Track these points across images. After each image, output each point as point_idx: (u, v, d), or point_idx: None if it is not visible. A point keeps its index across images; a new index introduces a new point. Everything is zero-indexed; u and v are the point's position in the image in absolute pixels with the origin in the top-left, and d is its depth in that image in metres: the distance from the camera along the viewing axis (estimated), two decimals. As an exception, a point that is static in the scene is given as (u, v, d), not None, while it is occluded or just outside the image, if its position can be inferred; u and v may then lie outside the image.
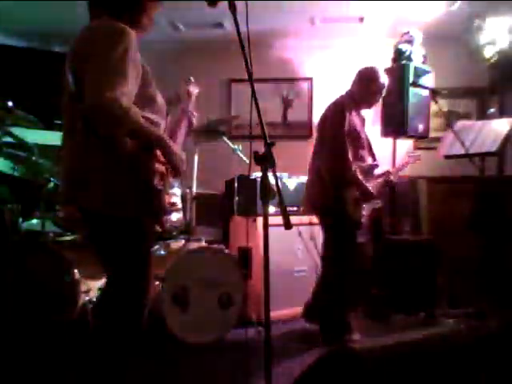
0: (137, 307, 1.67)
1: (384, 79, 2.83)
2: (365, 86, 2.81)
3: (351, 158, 2.68)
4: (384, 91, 2.85)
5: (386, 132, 3.88)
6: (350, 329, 2.83)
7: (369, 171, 2.84)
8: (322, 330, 2.87)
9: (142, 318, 1.66)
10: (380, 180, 2.93)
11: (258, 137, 1.46)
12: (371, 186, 2.79)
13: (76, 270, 2.63)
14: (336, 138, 2.66)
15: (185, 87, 2.12)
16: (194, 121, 2.08)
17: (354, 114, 2.76)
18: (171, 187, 1.76)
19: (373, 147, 2.90)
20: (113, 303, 1.64)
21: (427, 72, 3.84)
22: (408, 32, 3.87)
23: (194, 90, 2.14)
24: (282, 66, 4.71)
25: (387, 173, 2.97)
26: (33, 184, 2.88)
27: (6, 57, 4.13)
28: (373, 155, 2.89)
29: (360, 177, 2.71)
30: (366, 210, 2.85)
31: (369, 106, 2.89)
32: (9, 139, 2.89)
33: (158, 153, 1.61)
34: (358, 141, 2.75)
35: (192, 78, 2.18)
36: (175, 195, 2.80)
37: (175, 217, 2.85)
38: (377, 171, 2.96)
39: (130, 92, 1.50)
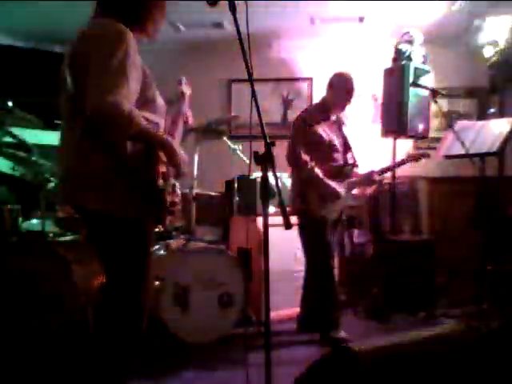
0: (137, 308, 1.67)
1: (352, 82, 2.94)
2: (335, 92, 2.96)
3: (310, 161, 2.84)
4: (354, 93, 2.95)
5: (386, 132, 3.88)
6: (336, 326, 2.84)
7: (342, 171, 2.96)
8: (317, 329, 2.91)
9: (142, 318, 1.66)
10: (357, 179, 3.00)
11: (258, 137, 1.47)
12: (342, 184, 2.90)
13: (76, 270, 2.63)
14: (293, 147, 2.90)
15: (178, 88, 2.12)
16: (190, 121, 2.08)
17: (320, 122, 2.93)
18: (173, 187, 1.75)
19: (351, 148, 3.05)
20: (113, 304, 1.64)
21: (427, 72, 3.84)
22: (408, 32, 3.86)
23: (187, 90, 2.15)
24: (281, 66, 4.71)
25: (370, 173, 3.01)
26: (33, 184, 2.88)
27: (6, 57, 4.13)
28: (352, 156, 3.05)
29: (321, 176, 2.84)
30: (336, 207, 2.90)
31: (342, 109, 3.02)
32: (9, 139, 2.89)
33: (160, 153, 1.61)
34: (327, 145, 2.92)
35: (184, 79, 2.18)
36: (177, 194, 2.80)
37: (177, 218, 2.85)
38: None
39: (131, 95, 1.50)
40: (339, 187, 2.89)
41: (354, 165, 3.04)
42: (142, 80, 1.58)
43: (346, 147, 3.04)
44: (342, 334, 2.83)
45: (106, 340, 1.62)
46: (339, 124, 3.08)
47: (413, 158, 3.14)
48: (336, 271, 3.17)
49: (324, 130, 2.94)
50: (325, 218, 2.86)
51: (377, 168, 3.06)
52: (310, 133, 2.91)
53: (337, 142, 2.98)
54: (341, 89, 2.94)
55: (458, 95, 4.36)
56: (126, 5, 1.63)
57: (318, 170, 2.86)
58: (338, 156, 2.98)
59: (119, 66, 1.46)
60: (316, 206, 2.85)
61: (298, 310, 3.09)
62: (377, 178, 3.02)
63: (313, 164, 2.86)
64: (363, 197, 3.16)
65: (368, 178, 3.00)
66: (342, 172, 2.97)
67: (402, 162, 3.15)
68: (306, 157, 2.86)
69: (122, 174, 1.55)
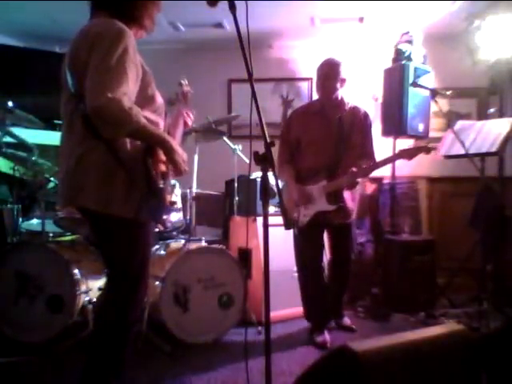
0: (135, 306, 1.67)
1: (325, 64, 2.78)
2: (316, 84, 2.86)
3: (283, 160, 2.84)
4: (330, 74, 2.74)
5: (386, 132, 3.88)
6: (317, 329, 2.84)
7: (320, 173, 2.75)
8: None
9: (140, 317, 1.66)
10: (337, 181, 2.72)
11: (258, 137, 1.47)
12: (315, 187, 2.74)
13: (76, 270, 2.63)
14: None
15: (179, 88, 2.14)
16: (190, 122, 2.09)
17: (302, 120, 2.85)
18: (172, 186, 1.76)
19: (339, 145, 2.76)
20: (112, 302, 1.64)
21: (427, 72, 3.84)
22: (408, 32, 3.86)
23: (188, 91, 2.16)
24: (282, 66, 4.71)
25: (351, 172, 2.68)
26: (33, 184, 2.88)
27: (6, 57, 4.13)
28: (338, 153, 2.78)
29: (287, 177, 2.80)
30: (309, 211, 2.76)
31: (325, 97, 2.80)
32: (9, 139, 2.89)
33: (160, 152, 1.61)
34: (306, 145, 2.80)
35: (185, 80, 2.19)
36: (176, 195, 2.80)
37: (175, 217, 2.85)
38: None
39: (131, 92, 1.50)
40: (302, 190, 2.74)
41: (338, 165, 2.75)
42: (141, 78, 1.58)
43: (341, 147, 2.76)
44: (323, 337, 2.79)
45: (105, 338, 1.62)
46: (335, 119, 2.79)
47: (403, 155, 2.64)
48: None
49: (307, 128, 2.79)
50: (297, 220, 2.78)
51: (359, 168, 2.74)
52: (290, 130, 2.88)
53: (322, 140, 2.76)
54: (317, 76, 2.82)
55: (458, 95, 4.36)
56: (121, 3, 1.63)
57: (288, 171, 2.80)
58: (320, 155, 2.76)
59: (119, 64, 1.46)
60: (288, 208, 2.78)
61: (297, 309, 3.10)
62: (353, 179, 2.71)
63: (282, 163, 2.83)
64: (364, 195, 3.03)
65: (349, 180, 2.71)
66: (319, 173, 2.76)
67: (390, 160, 2.79)
68: (278, 155, 2.84)
69: (122, 174, 1.55)
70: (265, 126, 1.41)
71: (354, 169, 2.66)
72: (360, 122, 2.85)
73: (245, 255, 3.19)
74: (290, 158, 2.85)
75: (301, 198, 2.75)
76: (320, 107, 2.85)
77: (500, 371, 1.19)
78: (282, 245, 3.15)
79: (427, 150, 2.63)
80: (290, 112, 4.68)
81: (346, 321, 3.10)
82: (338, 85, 2.76)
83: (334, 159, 2.78)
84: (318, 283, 2.87)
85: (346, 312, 3.22)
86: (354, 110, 2.86)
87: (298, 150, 2.84)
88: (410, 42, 3.85)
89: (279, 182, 1.46)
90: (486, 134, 3.13)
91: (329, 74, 2.75)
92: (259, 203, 3.29)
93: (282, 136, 2.93)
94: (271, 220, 1.50)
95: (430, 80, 3.86)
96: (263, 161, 1.41)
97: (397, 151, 2.74)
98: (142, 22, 1.70)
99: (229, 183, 3.64)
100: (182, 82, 2.18)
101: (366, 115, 2.88)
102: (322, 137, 2.78)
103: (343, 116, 2.81)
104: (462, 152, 2.99)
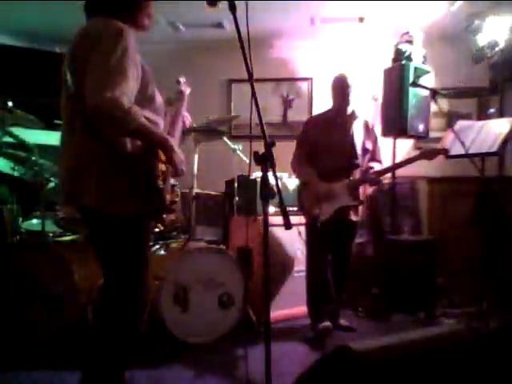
0: (135, 306, 1.67)
1: (342, 81, 2.96)
2: (332, 94, 3.05)
3: (300, 161, 3.01)
4: (346, 91, 2.93)
5: (386, 132, 3.88)
6: (320, 318, 2.91)
7: (339, 172, 2.92)
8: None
9: (140, 316, 1.66)
10: (356, 179, 2.95)
11: (258, 137, 1.47)
12: (336, 185, 2.90)
13: (76, 270, 2.63)
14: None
15: (177, 87, 2.14)
16: (187, 122, 2.09)
17: (319, 125, 3.03)
18: (173, 186, 1.76)
19: (355, 148, 2.96)
20: (111, 302, 1.64)
21: (427, 72, 3.84)
22: (408, 32, 3.87)
23: (186, 89, 2.16)
24: (281, 66, 4.71)
25: (369, 172, 2.96)
26: (33, 184, 2.88)
27: (6, 57, 4.13)
28: (354, 156, 2.98)
29: (308, 176, 2.95)
30: (330, 207, 2.89)
31: (342, 109, 2.99)
32: (9, 139, 2.89)
33: (160, 151, 1.61)
34: (324, 147, 2.96)
35: (183, 78, 2.19)
36: (176, 194, 2.80)
37: (175, 217, 2.85)
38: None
39: (130, 91, 1.50)
40: (325, 187, 2.90)
41: (355, 166, 2.97)
42: (141, 78, 1.58)
43: (354, 149, 2.96)
44: (325, 324, 2.87)
45: (105, 338, 1.62)
46: (349, 126, 2.99)
47: (425, 156, 2.87)
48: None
49: (324, 132, 2.97)
50: (318, 217, 2.90)
51: (380, 167, 3.02)
52: (307, 135, 3.04)
53: (339, 143, 2.95)
54: (333, 89, 3.02)
55: (458, 95, 4.36)
56: (115, 6, 1.63)
57: (309, 170, 2.96)
58: (339, 157, 2.94)
59: (118, 63, 1.46)
60: (308, 205, 2.95)
61: (298, 310, 3.10)
62: (377, 177, 2.94)
63: (302, 164, 2.98)
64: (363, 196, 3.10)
65: (368, 178, 2.94)
66: (339, 172, 2.92)
67: (412, 160, 2.93)
68: (297, 157, 3.03)
69: (122, 174, 1.55)
70: (265, 125, 1.41)
71: (375, 169, 2.95)
72: (369, 131, 3.10)
73: (245, 255, 3.19)
74: (308, 160, 3.01)
75: (325, 193, 2.90)
76: (335, 116, 3.02)
77: (500, 371, 1.19)
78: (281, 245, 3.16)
79: (446, 153, 2.93)
80: (290, 112, 4.73)
81: (342, 322, 3.10)
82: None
83: (350, 162, 2.97)
84: (325, 281, 2.94)
85: (345, 312, 3.22)
86: (364, 122, 3.09)
87: (315, 152, 2.99)
88: (410, 42, 3.85)
89: (278, 182, 1.46)
90: (486, 133, 3.13)
91: (347, 86, 2.95)
92: (259, 203, 3.29)
93: (299, 140, 3.10)
94: (271, 220, 1.50)
95: (429, 80, 3.86)
96: (263, 161, 1.41)
97: (419, 152, 2.98)
98: (140, 22, 1.71)
99: (229, 183, 3.64)
100: (180, 79, 2.18)
101: (373, 127, 3.15)
102: (339, 141, 2.97)
103: (356, 125, 3.02)
104: (462, 152, 2.99)
